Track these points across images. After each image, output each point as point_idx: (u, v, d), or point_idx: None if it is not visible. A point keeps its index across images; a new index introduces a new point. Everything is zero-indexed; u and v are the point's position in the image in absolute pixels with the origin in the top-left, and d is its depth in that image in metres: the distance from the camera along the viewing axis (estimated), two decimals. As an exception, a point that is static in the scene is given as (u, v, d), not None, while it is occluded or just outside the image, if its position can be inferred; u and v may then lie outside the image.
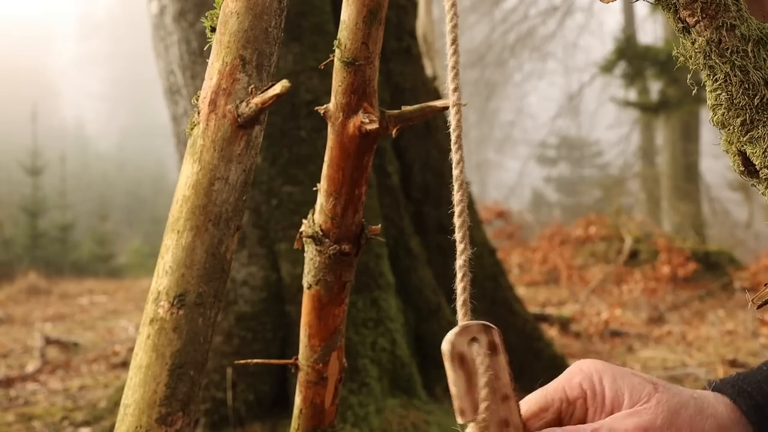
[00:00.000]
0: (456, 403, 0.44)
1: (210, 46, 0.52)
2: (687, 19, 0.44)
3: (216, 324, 0.55)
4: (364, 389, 2.37)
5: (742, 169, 0.46)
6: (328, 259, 0.71)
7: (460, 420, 0.44)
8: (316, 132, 2.65)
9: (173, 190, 0.51)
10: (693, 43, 0.44)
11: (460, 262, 0.45)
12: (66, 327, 5.69)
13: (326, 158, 0.67)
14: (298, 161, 2.66)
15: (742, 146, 0.44)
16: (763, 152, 0.43)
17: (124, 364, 4.09)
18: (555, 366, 3.01)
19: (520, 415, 0.46)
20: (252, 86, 0.48)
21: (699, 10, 0.43)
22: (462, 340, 0.44)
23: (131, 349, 4.46)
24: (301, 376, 0.80)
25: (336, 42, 0.58)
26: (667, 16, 0.45)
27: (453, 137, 0.46)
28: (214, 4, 0.52)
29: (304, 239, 0.73)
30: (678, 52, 0.46)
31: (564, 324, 4.73)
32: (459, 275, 0.45)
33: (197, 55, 2.80)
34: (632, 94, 10.83)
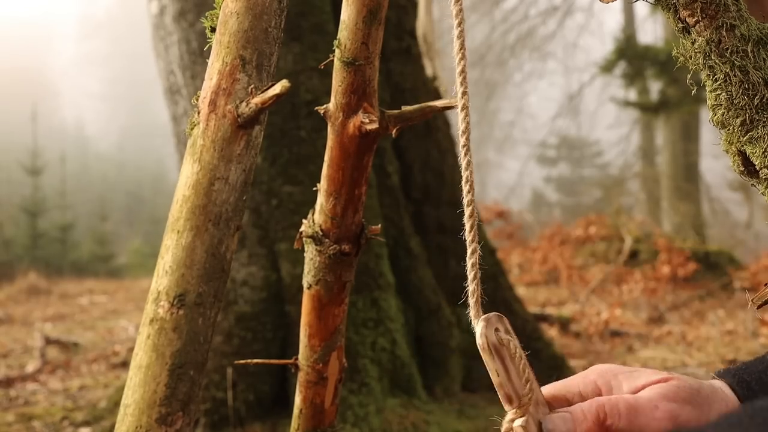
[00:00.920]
0: (502, 392, 0.47)
1: (210, 46, 0.52)
2: (687, 19, 0.44)
3: (216, 324, 0.55)
4: (364, 389, 2.37)
5: (742, 169, 0.46)
6: (328, 259, 0.71)
7: (508, 407, 0.47)
8: (316, 132, 2.65)
9: (173, 190, 0.51)
10: (693, 43, 0.44)
11: (471, 261, 0.48)
12: (66, 327, 5.68)
13: (326, 158, 0.67)
14: (298, 161, 2.65)
15: (742, 146, 0.44)
16: (763, 152, 0.43)
17: (124, 364, 4.09)
18: (555, 366, 3.01)
19: (541, 392, 0.48)
20: (252, 86, 0.48)
21: (699, 10, 0.43)
22: (490, 331, 0.47)
23: (131, 349, 4.46)
24: (301, 376, 0.80)
25: (336, 42, 0.58)
26: (667, 16, 0.45)
27: (462, 140, 0.47)
28: (214, 5, 0.52)
29: (304, 239, 0.73)
30: (678, 52, 0.45)
31: (564, 324, 4.73)
32: (470, 274, 0.47)
33: (197, 55, 2.80)
34: (632, 94, 10.82)
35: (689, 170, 11.16)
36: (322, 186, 0.68)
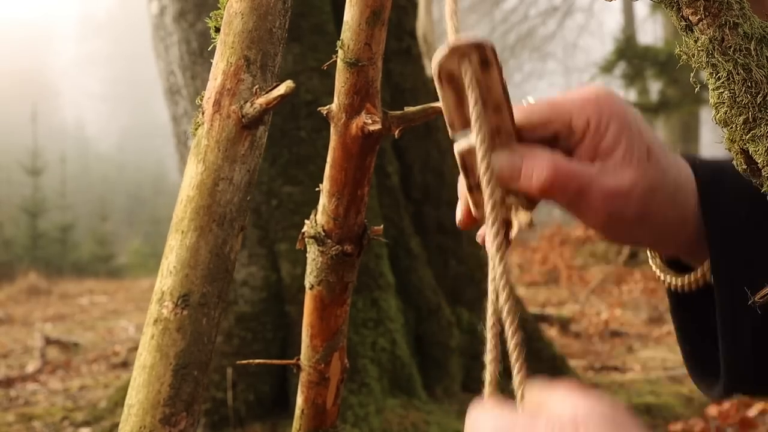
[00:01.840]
0: (446, 118, 0.45)
1: (214, 47, 0.52)
2: (690, 17, 0.44)
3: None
4: (364, 389, 2.37)
5: (745, 167, 0.46)
6: (330, 260, 0.71)
7: (451, 133, 0.45)
8: (316, 132, 2.65)
9: (173, 191, 0.51)
10: (695, 42, 0.44)
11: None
12: (66, 327, 5.69)
13: (329, 159, 0.67)
14: (298, 161, 2.66)
15: (745, 144, 0.44)
16: (766, 150, 0.43)
17: (124, 365, 4.09)
18: (555, 366, 3.01)
19: (513, 124, 0.46)
20: (256, 87, 0.48)
21: (702, 8, 0.43)
22: (451, 59, 0.44)
23: (131, 350, 4.47)
24: (303, 377, 0.80)
25: (339, 43, 0.59)
26: (670, 14, 0.45)
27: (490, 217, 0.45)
28: (218, 5, 0.52)
29: (306, 240, 0.73)
30: (680, 51, 0.46)
31: (564, 324, 4.73)
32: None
33: (197, 56, 2.80)
34: (632, 95, 10.83)
35: (689, 170, 11.16)
36: (325, 186, 0.69)
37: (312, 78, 2.66)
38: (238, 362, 1.30)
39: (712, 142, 0.49)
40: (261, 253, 2.63)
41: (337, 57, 0.60)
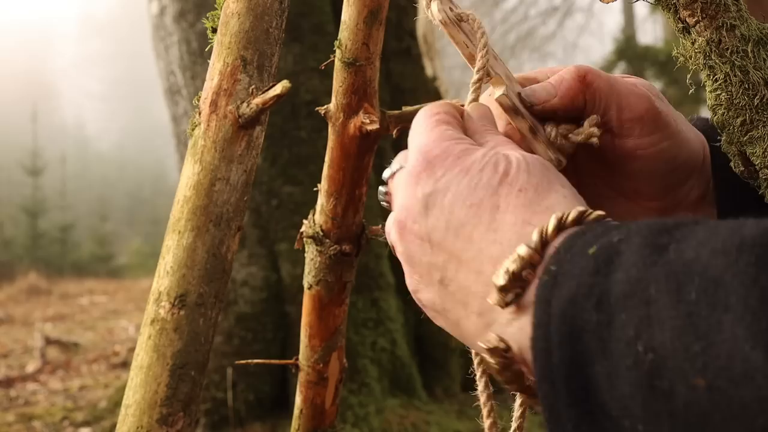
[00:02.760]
0: (465, 53, 0.45)
1: (211, 47, 0.52)
2: (687, 19, 0.44)
3: (216, 324, 0.55)
4: (364, 389, 2.37)
5: (742, 169, 0.46)
6: (328, 260, 0.71)
7: (474, 66, 0.45)
8: (316, 132, 2.65)
9: (173, 191, 0.51)
10: (693, 44, 0.44)
11: None
12: (66, 327, 5.69)
13: (327, 159, 0.67)
14: (299, 161, 2.66)
15: (742, 146, 0.44)
16: (763, 152, 0.43)
17: (125, 365, 4.09)
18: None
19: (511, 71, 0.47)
20: (253, 87, 0.49)
21: (699, 10, 0.43)
22: (446, 6, 0.45)
23: (131, 350, 4.47)
24: (301, 377, 0.80)
25: (337, 42, 0.59)
26: (667, 16, 0.45)
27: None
28: (215, 5, 0.52)
29: (304, 239, 0.73)
30: (678, 53, 0.46)
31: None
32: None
33: (197, 56, 2.80)
34: (632, 95, 10.83)
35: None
36: (323, 186, 0.69)
37: (312, 78, 2.66)
38: (237, 362, 1.30)
39: (712, 142, 0.49)
40: (261, 253, 2.63)
41: (334, 57, 0.60)
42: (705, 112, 0.48)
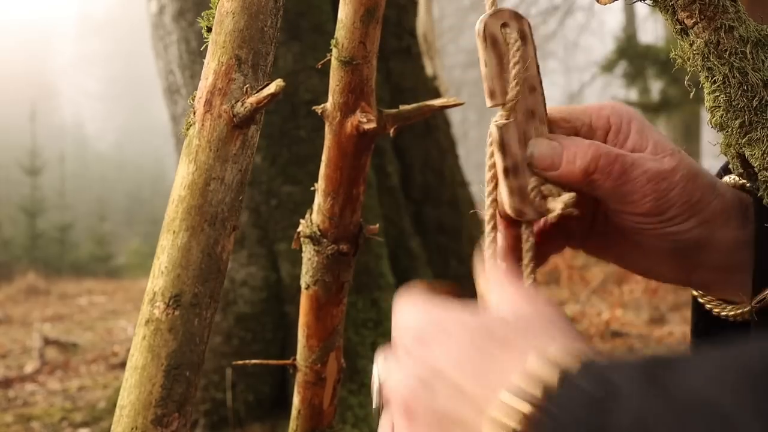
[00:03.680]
0: (486, 85, 0.43)
1: (207, 46, 0.52)
2: (685, 21, 0.44)
3: (215, 324, 0.55)
4: (364, 390, 2.37)
5: (741, 171, 0.46)
6: (326, 259, 0.71)
7: (489, 103, 0.44)
8: (315, 132, 2.65)
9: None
10: (691, 45, 0.44)
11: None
12: (65, 327, 5.68)
13: (324, 158, 0.67)
14: (298, 161, 2.65)
15: (741, 148, 0.44)
16: (762, 154, 0.43)
17: (123, 365, 4.08)
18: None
19: (545, 109, 0.45)
20: (247, 86, 0.48)
21: (697, 12, 0.43)
22: (495, 22, 0.43)
23: (130, 350, 4.46)
24: (299, 377, 0.80)
25: (333, 41, 0.58)
26: (666, 18, 0.45)
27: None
28: (210, 4, 0.52)
29: (302, 239, 0.73)
30: (676, 54, 0.45)
31: (563, 324, 4.72)
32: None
33: (196, 55, 2.80)
34: (633, 94, 10.82)
35: (689, 170, 11.16)
36: (320, 186, 0.68)
37: (311, 77, 2.66)
38: (234, 363, 1.30)
39: (713, 141, 0.48)
40: (260, 253, 2.63)
41: (331, 55, 0.60)
42: (706, 112, 0.48)
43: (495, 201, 0.45)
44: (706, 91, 0.45)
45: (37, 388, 3.62)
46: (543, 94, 0.45)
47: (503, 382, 0.32)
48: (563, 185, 0.44)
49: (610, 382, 0.28)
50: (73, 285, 9.35)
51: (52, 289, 8.46)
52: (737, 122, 0.43)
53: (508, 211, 0.44)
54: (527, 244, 0.45)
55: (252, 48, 0.48)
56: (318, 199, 0.70)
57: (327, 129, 0.64)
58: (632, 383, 0.27)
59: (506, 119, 0.44)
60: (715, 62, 0.43)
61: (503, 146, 0.44)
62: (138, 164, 30.81)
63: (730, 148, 0.45)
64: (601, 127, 0.47)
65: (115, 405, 0.49)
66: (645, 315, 5.25)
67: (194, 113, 0.49)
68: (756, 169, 0.43)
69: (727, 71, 0.43)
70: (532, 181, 0.44)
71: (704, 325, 0.51)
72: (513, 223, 0.45)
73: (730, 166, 0.47)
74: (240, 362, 0.84)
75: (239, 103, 0.48)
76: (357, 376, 2.37)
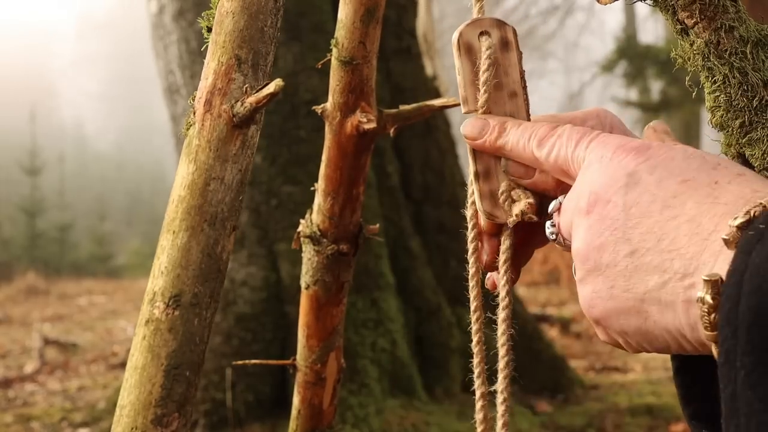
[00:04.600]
0: (460, 93, 0.44)
1: (207, 46, 0.52)
2: (685, 21, 0.43)
3: (215, 324, 0.55)
4: (364, 390, 2.37)
5: (741, 170, 0.46)
6: (326, 259, 0.71)
7: (463, 109, 0.45)
8: (315, 132, 2.65)
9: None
10: (691, 45, 0.44)
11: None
12: (65, 327, 5.68)
13: (324, 158, 0.67)
14: (298, 161, 2.65)
15: (741, 148, 0.44)
16: (762, 154, 0.43)
17: (123, 365, 4.08)
18: (556, 367, 3.01)
19: (528, 114, 0.45)
20: (246, 86, 0.48)
21: (697, 12, 0.43)
22: (472, 31, 0.44)
23: (130, 350, 4.45)
24: (299, 377, 0.80)
25: (333, 41, 0.58)
26: (666, 18, 0.45)
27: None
28: (211, 4, 0.52)
29: (302, 239, 0.73)
30: (676, 54, 0.45)
31: (565, 324, 4.72)
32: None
33: (196, 55, 2.80)
34: (633, 94, 10.82)
35: (689, 170, 11.16)
36: (320, 186, 0.68)
37: (312, 77, 2.66)
38: (234, 363, 1.30)
39: (713, 139, 0.48)
40: (260, 253, 2.63)
41: (331, 55, 0.60)
42: (706, 112, 0.48)
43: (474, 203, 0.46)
44: (706, 91, 0.45)
45: (37, 388, 3.62)
46: (526, 99, 0.46)
47: (738, 201, 0.34)
48: (537, 191, 0.45)
49: None
50: (73, 285, 9.35)
51: (51, 289, 8.46)
52: (737, 122, 0.43)
53: (480, 213, 0.45)
54: (504, 245, 0.46)
55: (252, 48, 0.48)
56: (318, 199, 0.70)
57: (327, 129, 0.64)
58: None
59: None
60: (716, 62, 0.43)
61: (474, 152, 0.45)
62: (138, 164, 30.80)
63: (730, 148, 0.45)
64: None
65: (115, 405, 0.49)
66: (645, 315, 5.25)
67: (194, 113, 0.49)
68: (756, 169, 0.43)
69: (727, 71, 0.43)
70: (502, 186, 0.44)
71: None
72: (493, 230, 0.47)
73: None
74: (240, 362, 0.84)
75: (239, 103, 0.48)
76: (357, 376, 2.37)
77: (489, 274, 0.49)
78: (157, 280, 0.47)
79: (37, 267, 10.13)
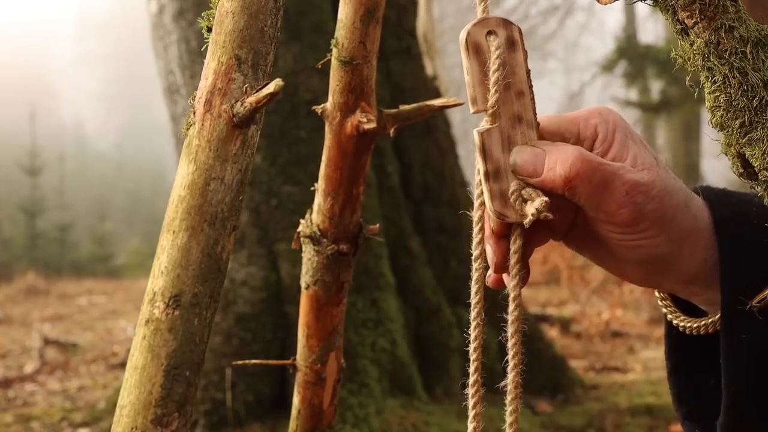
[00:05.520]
0: (469, 92, 0.44)
1: (207, 46, 0.52)
2: (685, 21, 0.43)
3: (215, 324, 0.55)
4: (364, 390, 2.37)
5: (741, 171, 0.46)
6: (326, 259, 0.71)
7: (472, 109, 0.45)
8: (315, 132, 2.65)
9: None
10: (691, 45, 0.44)
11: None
12: (65, 327, 5.68)
13: (324, 158, 0.67)
14: (298, 161, 2.65)
15: (741, 148, 0.44)
16: (762, 154, 0.43)
17: (123, 365, 4.08)
18: (556, 367, 3.01)
19: (534, 113, 0.45)
20: (246, 86, 0.48)
21: (697, 12, 0.43)
22: (479, 31, 0.44)
23: (130, 350, 4.46)
24: (299, 377, 0.80)
25: (333, 41, 0.58)
26: (666, 18, 0.45)
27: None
28: (211, 4, 0.52)
29: (302, 239, 0.73)
30: (676, 54, 0.45)
31: (565, 324, 4.72)
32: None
33: (196, 55, 2.80)
34: (633, 94, 10.82)
35: (690, 170, 11.17)
36: (320, 186, 0.68)
37: (312, 77, 2.66)
38: (234, 363, 1.30)
39: (713, 138, 0.48)
40: (260, 253, 2.63)
41: (331, 55, 0.60)
42: (706, 112, 0.48)
43: (483, 204, 0.46)
44: (706, 90, 0.45)
45: (37, 388, 3.62)
46: (533, 98, 0.45)
47: None
48: (545, 190, 0.45)
49: None
50: (73, 285, 9.35)
51: (51, 289, 8.46)
52: (737, 122, 0.43)
53: (490, 213, 0.45)
54: (515, 245, 0.46)
55: (252, 48, 0.48)
56: (318, 199, 0.70)
57: (327, 129, 0.64)
58: None
59: (488, 125, 0.44)
60: (716, 62, 0.43)
61: (484, 151, 0.44)
62: (138, 164, 30.80)
63: (730, 148, 0.45)
64: (589, 136, 0.48)
65: (114, 405, 0.49)
66: (645, 315, 5.25)
67: (194, 113, 0.49)
68: (756, 169, 0.43)
69: (727, 71, 0.43)
70: (513, 185, 0.44)
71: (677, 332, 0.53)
72: (503, 231, 0.47)
73: (730, 166, 0.47)
74: (240, 362, 0.84)
75: (239, 103, 0.48)
76: (357, 376, 2.37)
77: (489, 271, 0.49)
78: (157, 280, 0.47)
79: (37, 267, 10.13)
